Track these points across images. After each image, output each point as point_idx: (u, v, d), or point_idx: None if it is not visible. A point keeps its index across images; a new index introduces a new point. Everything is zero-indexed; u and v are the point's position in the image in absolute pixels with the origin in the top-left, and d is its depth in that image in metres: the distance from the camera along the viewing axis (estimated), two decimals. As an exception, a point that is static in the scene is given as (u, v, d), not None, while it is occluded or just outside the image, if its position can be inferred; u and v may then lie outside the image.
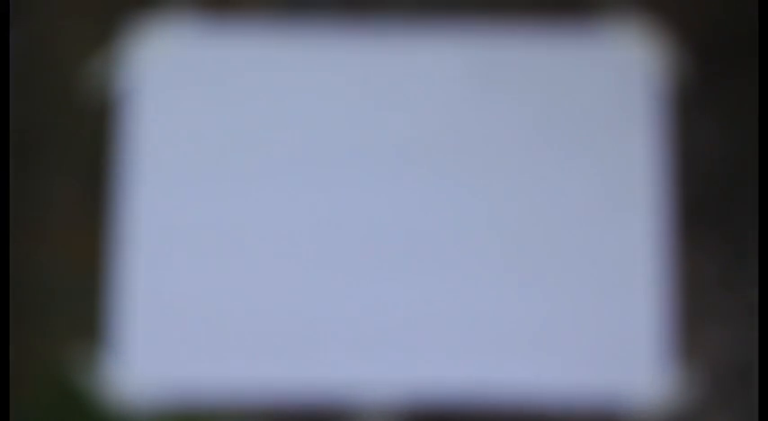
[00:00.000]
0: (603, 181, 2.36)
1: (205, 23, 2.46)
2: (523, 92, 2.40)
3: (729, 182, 2.38)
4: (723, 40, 2.42)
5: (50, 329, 2.38)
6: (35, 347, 2.37)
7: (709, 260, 2.37)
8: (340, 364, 2.33)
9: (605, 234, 2.34)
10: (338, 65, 2.43)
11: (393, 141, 2.39)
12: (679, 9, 2.45)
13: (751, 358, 2.34)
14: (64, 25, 2.50)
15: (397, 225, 2.36)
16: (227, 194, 2.39)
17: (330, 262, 2.36)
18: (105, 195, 2.42)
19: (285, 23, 2.47)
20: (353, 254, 2.35)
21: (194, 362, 2.35)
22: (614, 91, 2.39)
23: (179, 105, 2.42)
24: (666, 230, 2.37)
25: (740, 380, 2.33)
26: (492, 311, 2.34)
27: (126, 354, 2.35)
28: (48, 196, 2.42)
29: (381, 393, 2.34)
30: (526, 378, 2.33)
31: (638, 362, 2.32)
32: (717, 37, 2.42)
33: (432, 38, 2.43)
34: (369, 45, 2.56)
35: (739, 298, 2.35)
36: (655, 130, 2.40)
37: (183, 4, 2.48)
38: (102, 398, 2.35)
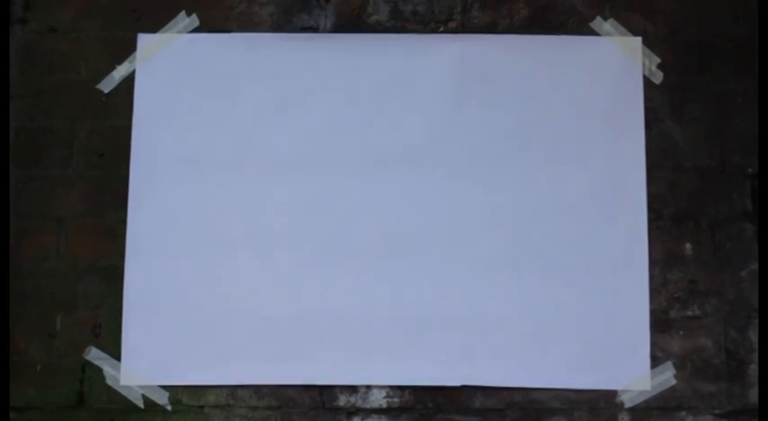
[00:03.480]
0: (598, 181, 2.38)
1: (205, 31, 2.47)
2: (519, 91, 2.41)
3: (719, 179, 2.38)
4: (712, 42, 2.43)
5: (52, 327, 2.36)
6: (36, 344, 2.36)
7: (694, 257, 2.38)
8: (340, 363, 2.33)
9: (599, 233, 2.36)
10: (335, 67, 2.43)
11: (390, 142, 2.40)
12: (667, 14, 2.47)
13: (733, 355, 2.36)
14: (76, 29, 2.48)
15: (393, 225, 2.37)
16: (228, 196, 2.39)
17: (331, 263, 2.36)
18: (110, 196, 2.42)
19: (282, 31, 2.48)
20: (355, 254, 2.36)
21: (197, 359, 2.35)
22: (606, 90, 2.41)
23: (181, 109, 2.42)
24: (656, 228, 2.40)
25: (725, 375, 2.35)
26: (488, 311, 2.34)
27: (129, 351, 2.35)
28: (51, 195, 2.41)
29: (380, 391, 2.36)
30: (524, 375, 2.35)
31: (631, 360, 2.35)
32: (705, 40, 2.43)
33: (427, 42, 2.45)
34: (366, 46, 2.48)
35: (725, 293, 2.36)
36: (643, 128, 2.42)
37: (186, 16, 2.48)
38: (105, 392, 2.36)
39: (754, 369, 2.34)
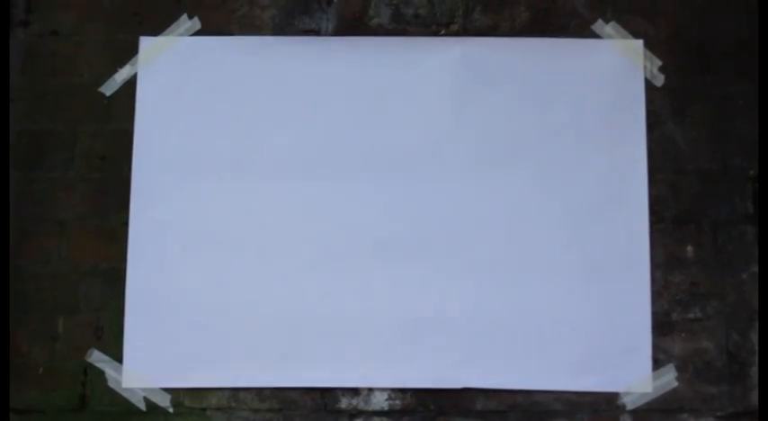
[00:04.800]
0: (599, 184, 2.38)
1: (207, 34, 2.47)
2: (521, 94, 2.41)
3: (721, 181, 2.39)
4: (713, 45, 2.43)
5: (54, 329, 2.37)
6: (38, 347, 2.36)
7: (695, 259, 2.38)
8: (342, 365, 2.33)
9: (600, 235, 2.36)
10: (336, 70, 2.43)
11: (390, 144, 2.39)
12: (669, 16, 2.47)
13: (734, 358, 2.36)
14: (78, 32, 2.49)
15: (395, 228, 2.36)
16: (229, 199, 2.39)
17: (333, 266, 2.36)
18: (112, 199, 2.43)
19: (284, 34, 2.48)
20: (357, 256, 2.36)
21: (199, 361, 2.35)
22: (608, 93, 2.41)
23: (183, 111, 2.43)
24: (657, 230, 2.40)
25: (726, 378, 2.35)
26: (490, 313, 2.35)
27: (131, 354, 2.35)
28: (53, 198, 2.41)
29: (382, 393, 2.36)
30: (525, 377, 2.35)
31: (632, 362, 2.35)
32: (706, 42, 2.43)
33: (429, 45, 2.45)
34: (367, 49, 2.49)
35: (726, 295, 2.36)
36: (645, 131, 2.42)
37: (188, 19, 2.48)
38: (107, 395, 2.37)
39: (755, 371, 2.34)
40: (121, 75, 2.46)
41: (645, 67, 2.44)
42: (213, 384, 2.34)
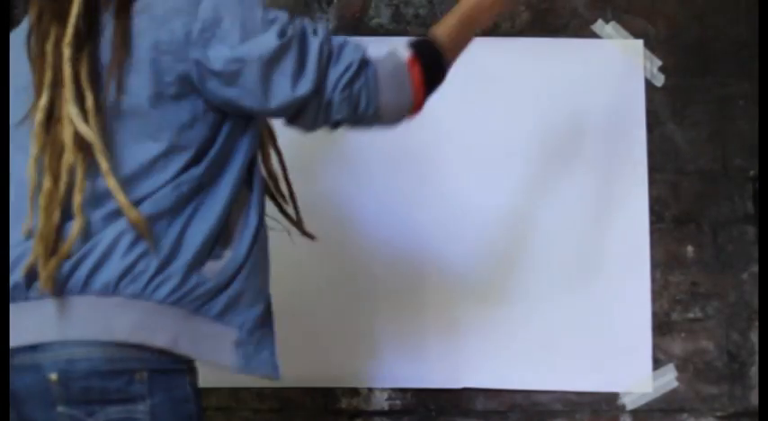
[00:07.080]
0: (599, 184, 2.38)
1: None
2: (520, 94, 2.41)
3: (721, 181, 2.39)
4: (713, 44, 2.43)
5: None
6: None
7: (695, 259, 2.38)
8: (342, 365, 2.34)
9: (600, 235, 2.37)
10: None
11: (389, 145, 2.37)
12: (669, 16, 2.47)
13: (735, 358, 2.36)
14: None
15: (393, 227, 2.37)
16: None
17: (333, 264, 2.35)
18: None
19: None
20: (356, 254, 2.35)
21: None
22: (608, 93, 2.41)
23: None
24: (657, 230, 2.41)
25: (727, 378, 2.35)
26: (490, 312, 2.34)
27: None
28: None
29: (382, 393, 2.37)
30: (526, 377, 2.35)
31: (633, 362, 2.35)
32: (706, 42, 2.43)
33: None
34: (368, 48, 2.56)
35: (726, 295, 2.37)
36: (645, 131, 2.42)
37: None
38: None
39: (755, 371, 2.35)
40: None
41: (645, 67, 2.44)
42: (213, 384, 2.33)
